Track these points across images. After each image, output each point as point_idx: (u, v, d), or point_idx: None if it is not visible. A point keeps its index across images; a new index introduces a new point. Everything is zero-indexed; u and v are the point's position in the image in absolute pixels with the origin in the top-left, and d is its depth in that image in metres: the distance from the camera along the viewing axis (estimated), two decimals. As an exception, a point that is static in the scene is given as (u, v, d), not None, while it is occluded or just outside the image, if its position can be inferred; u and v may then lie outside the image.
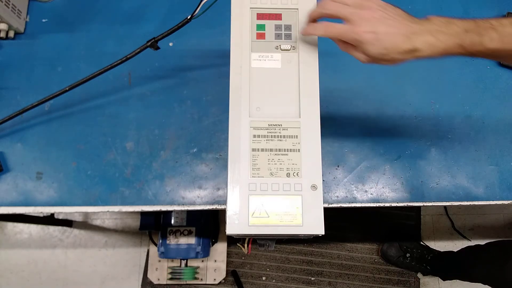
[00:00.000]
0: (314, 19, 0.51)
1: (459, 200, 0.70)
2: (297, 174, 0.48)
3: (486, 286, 1.07)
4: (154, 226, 1.26)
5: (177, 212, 1.21)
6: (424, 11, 0.80)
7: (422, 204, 0.69)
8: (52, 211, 0.68)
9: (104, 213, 1.45)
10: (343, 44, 0.49)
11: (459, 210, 1.49)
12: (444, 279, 1.33)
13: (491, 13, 0.80)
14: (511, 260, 0.95)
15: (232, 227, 0.45)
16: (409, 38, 0.44)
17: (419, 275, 1.40)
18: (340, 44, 0.49)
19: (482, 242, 1.13)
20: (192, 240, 1.20)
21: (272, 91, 0.51)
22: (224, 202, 0.67)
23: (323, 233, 0.46)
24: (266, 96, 0.50)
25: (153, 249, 1.35)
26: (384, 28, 0.44)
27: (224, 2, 0.53)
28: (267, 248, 0.62)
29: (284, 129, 0.49)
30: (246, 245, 1.17)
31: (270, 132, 0.49)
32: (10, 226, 1.45)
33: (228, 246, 1.38)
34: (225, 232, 0.46)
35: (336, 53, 0.76)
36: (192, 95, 0.73)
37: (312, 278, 1.39)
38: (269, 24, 0.53)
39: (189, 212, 1.21)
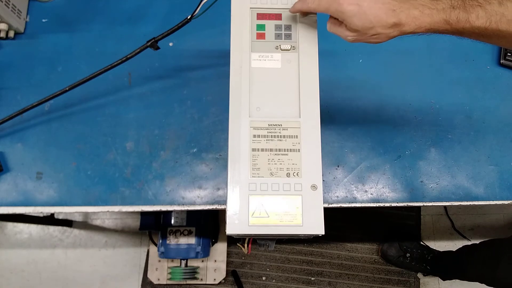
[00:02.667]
0: None
1: (459, 200, 0.70)
2: (297, 174, 0.48)
3: (485, 286, 1.07)
4: (154, 226, 1.26)
5: (177, 212, 1.21)
6: None
7: (422, 204, 0.69)
8: (52, 211, 0.68)
9: (104, 213, 1.45)
10: (328, 22, 0.49)
11: (459, 210, 1.49)
12: (444, 279, 1.33)
13: None
14: (503, 260, 0.96)
15: (232, 227, 0.45)
16: (394, 11, 0.44)
17: (419, 275, 1.40)
18: (327, 22, 0.49)
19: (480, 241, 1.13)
20: (192, 240, 1.20)
21: (272, 91, 0.51)
22: (224, 202, 0.67)
23: (323, 233, 0.46)
24: (266, 96, 0.50)
25: (153, 249, 1.35)
26: (368, 2, 0.44)
27: (224, 2, 0.53)
28: (267, 248, 0.62)
29: (284, 129, 0.49)
30: (246, 245, 1.17)
31: (270, 132, 0.49)
32: (10, 226, 1.45)
33: (228, 246, 1.38)
34: (225, 232, 0.46)
35: (336, 53, 0.77)
36: (192, 95, 0.73)
37: (312, 278, 1.39)
38: (269, 24, 0.52)
39: (189, 212, 1.21)
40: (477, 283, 1.10)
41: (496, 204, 0.70)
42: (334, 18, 0.48)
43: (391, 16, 0.44)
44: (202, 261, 1.34)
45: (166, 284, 1.35)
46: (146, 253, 1.39)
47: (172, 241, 1.19)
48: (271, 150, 0.48)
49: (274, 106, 0.50)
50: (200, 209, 0.68)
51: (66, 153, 0.70)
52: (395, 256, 1.35)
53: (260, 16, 0.53)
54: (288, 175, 0.48)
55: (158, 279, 1.34)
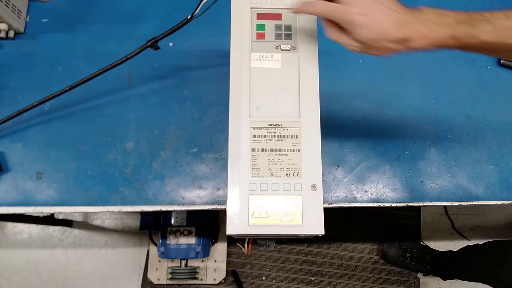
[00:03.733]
0: None
1: (459, 200, 0.70)
2: (297, 174, 0.48)
3: (486, 286, 1.07)
4: (154, 226, 1.26)
5: (177, 212, 1.21)
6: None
7: (422, 204, 0.69)
8: (52, 211, 0.68)
9: (104, 213, 1.45)
10: (332, 29, 0.46)
11: (459, 210, 1.49)
12: (444, 279, 1.33)
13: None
14: (508, 260, 0.96)
15: (232, 227, 0.45)
16: (402, 26, 0.42)
17: (419, 275, 1.40)
18: (330, 29, 0.46)
19: (482, 242, 1.13)
20: (192, 240, 1.20)
21: (272, 91, 0.51)
22: (224, 202, 0.67)
23: (323, 233, 0.46)
24: (266, 96, 0.50)
25: (153, 249, 1.35)
26: (376, 13, 0.42)
27: (224, 2, 0.53)
28: (267, 248, 0.62)
29: (284, 129, 0.49)
30: (246, 245, 1.17)
31: (270, 132, 0.49)
32: (10, 226, 1.45)
33: (228, 246, 1.38)
34: (225, 232, 0.46)
35: (336, 53, 0.77)
36: (192, 95, 0.73)
37: (312, 278, 1.39)
38: (269, 24, 0.53)
39: (189, 212, 1.21)
40: (478, 283, 1.10)
41: (496, 204, 0.70)
42: (337, 25, 0.46)
43: (398, 31, 0.42)
44: (202, 261, 1.34)
45: (166, 284, 1.35)
46: (146, 253, 1.40)
47: (172, 241, 1.19)
48: (271, 150, 0.48)
49: (274, 106, 0.50)
50: (200, 209, 0.68)
51: (66, 153, 0.70)
52: (395, 256, 1.35)
53: (260, 16, 0.53)
54: (288, 175, 0.48)
55: (158, 279, 1.34)
